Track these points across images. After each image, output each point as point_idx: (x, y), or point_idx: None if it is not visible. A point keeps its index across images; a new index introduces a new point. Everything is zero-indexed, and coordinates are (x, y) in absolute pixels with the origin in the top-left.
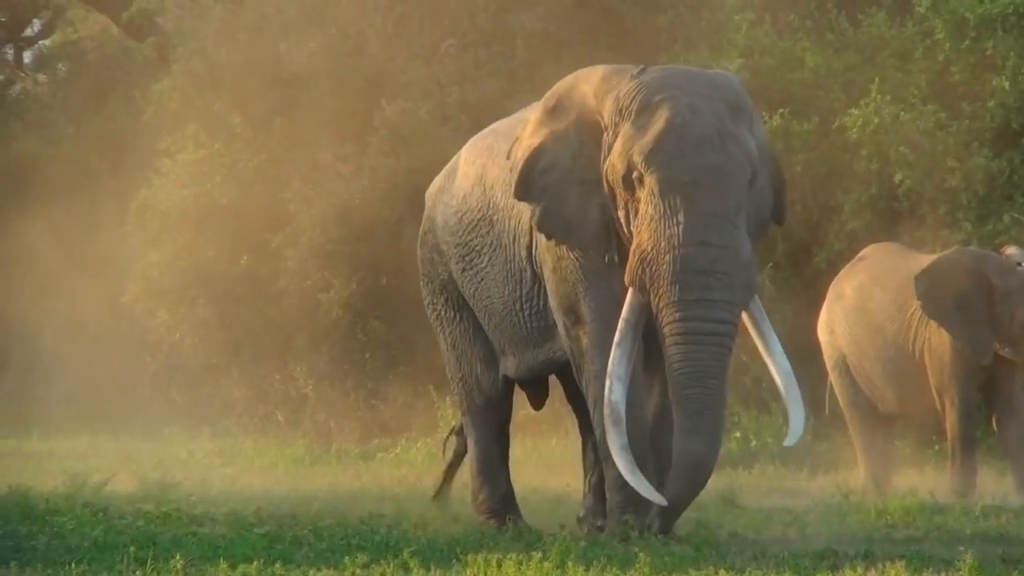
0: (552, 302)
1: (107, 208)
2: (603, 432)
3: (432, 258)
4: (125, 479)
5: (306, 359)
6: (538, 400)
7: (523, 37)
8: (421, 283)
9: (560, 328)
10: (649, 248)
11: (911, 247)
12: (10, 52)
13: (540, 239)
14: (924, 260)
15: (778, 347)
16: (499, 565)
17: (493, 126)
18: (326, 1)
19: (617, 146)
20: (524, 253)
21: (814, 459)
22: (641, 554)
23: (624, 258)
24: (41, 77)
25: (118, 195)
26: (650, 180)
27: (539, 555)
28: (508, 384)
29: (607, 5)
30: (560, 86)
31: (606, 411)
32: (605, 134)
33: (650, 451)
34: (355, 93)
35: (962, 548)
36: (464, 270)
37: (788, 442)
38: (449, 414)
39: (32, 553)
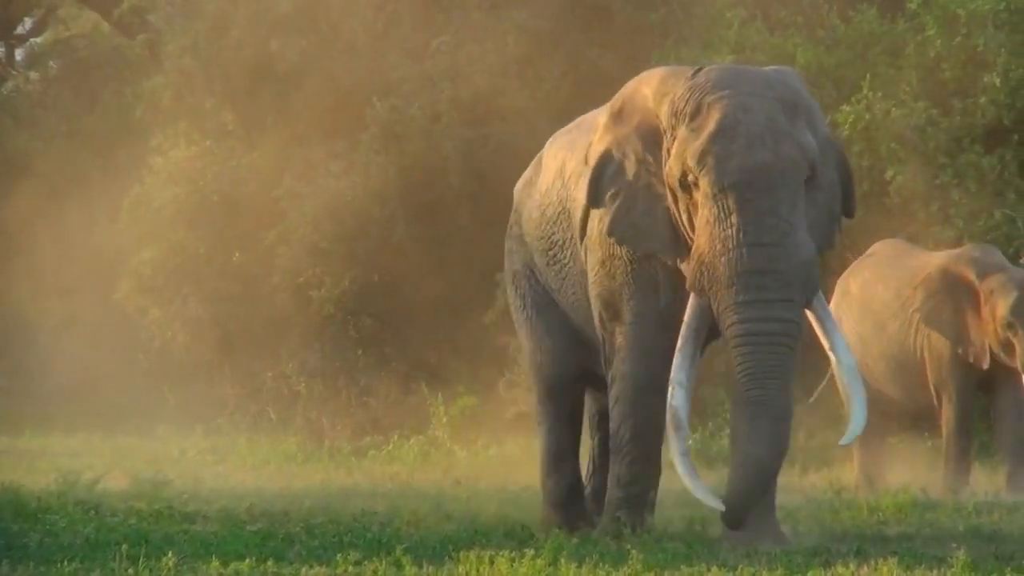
0: (591, 290)
1: (99, 205)
2: (619, 426)
3: (514, 248)
4: (117, 477)
5: (298, 356)
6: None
7: (515, 34)
8: (506, 275)
9: (595, 315)
10: (706, 251)
11: (917, 245)
12: (1, 50)
13: (591, 228)
14: (931, 258)
15: (842, 343)
16: (492, 562)
17: (578, 120)
18: None
19: (674, 150)
20: (580, 244)
21: (806, 456)
22: (634, 551)
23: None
24: (33, 75)
25: (110, 192)
26: (703, 182)
27: (532, 552)
28: (579, 376)
29: (599, 2)
30: (625, 89)
31: (668, 416)
32: (664, 138)
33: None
34: (346, 90)
35: (954, 545)
36: (549, 264)
37: (844, 441)
38: (441, 411)
39: (24, 551)
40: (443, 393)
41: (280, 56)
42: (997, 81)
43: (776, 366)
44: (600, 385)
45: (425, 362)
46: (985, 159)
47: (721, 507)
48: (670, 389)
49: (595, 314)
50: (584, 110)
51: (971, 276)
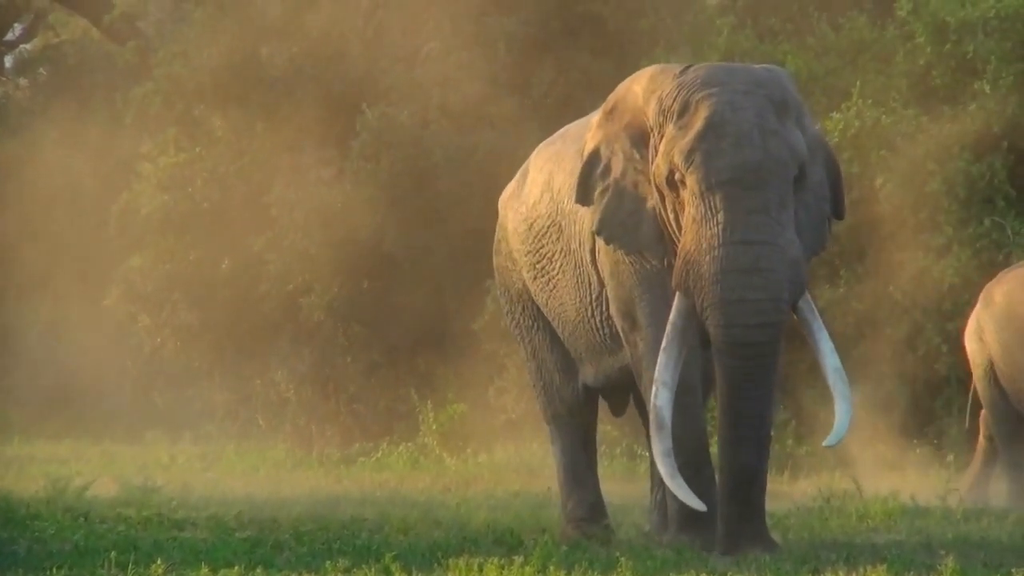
0: (612, 308)
1: (88, 212)
2: None
3: (506, 266)
4: (106, 483)
5: (288, 363)
6: (619, 407)
7: (505, 41)
8: (498, 292)
9: (621, 334)
10: (692, 249)
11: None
12: None
13: (600, 243)
14: None
15: (828, 344)
16: (480, 569)
17: (562, 130)
18: (307, 5)
19: (661, 148)
20: (589, 258)
21: (795, 463)
22: (623, 558)
23: None
24: (22, 81)
25: (99, 199)
26: (690, 180)
27: (520, 559)
28: (589, 391)
29: (589, 9)
30: (619, 88)
31: (651, 416)
32: (651, 135)
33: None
34: (336, 97)
35: (943, 552)
36: (536, 277)
37: (828, 442)
38: (430, 418)
39: (13, 558)
40: (432, 400)
41: (270, 63)
42: (987, 88)
43: (760, 376)
44: (614, 396)
45: (414, 369)
46: (974, 166)
47: (702, 507)
48: (654, 388)
49: (620, 331)
50: (574, 117)
51: None
